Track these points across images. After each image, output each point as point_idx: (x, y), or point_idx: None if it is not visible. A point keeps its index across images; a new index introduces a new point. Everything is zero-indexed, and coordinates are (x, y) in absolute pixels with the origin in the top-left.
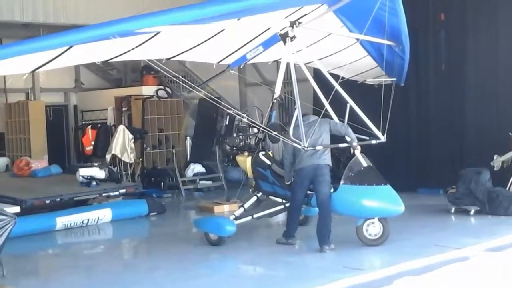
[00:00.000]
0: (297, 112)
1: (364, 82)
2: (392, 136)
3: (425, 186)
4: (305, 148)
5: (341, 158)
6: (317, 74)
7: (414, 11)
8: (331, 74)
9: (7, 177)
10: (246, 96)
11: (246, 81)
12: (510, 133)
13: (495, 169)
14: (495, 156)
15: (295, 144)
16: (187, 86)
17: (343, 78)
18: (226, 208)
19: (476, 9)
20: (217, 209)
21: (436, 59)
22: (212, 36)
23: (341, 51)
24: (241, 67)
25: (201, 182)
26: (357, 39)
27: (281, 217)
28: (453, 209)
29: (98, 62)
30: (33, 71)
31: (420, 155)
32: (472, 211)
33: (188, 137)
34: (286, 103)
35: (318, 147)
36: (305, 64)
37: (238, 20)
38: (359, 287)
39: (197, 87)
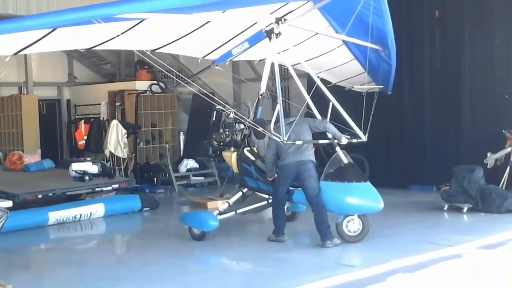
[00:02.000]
0: (278, 108)
1: (351, 89)
2: (386, 133)
3: (418, 183)
4: (284, 142)
5: (326, 156)
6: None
7: (409, 7)
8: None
9: None
10: (240, 91)
11: (240, 76)
12: (503, 131)
13: (488, 166)
14: (489, 154)
15: (274, 138)
16: (179, 81)
17: (330, 83)
18: (219, 204)
19: (472, 5)
20: (210, 204)
21: (430, 56)
22: (197, 28)
23: (327, 53)
24: (227, 63)
25: (194, 177)
26: (343, 41)
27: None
28: (446, 206)
29: (82, 49)
30: (16, 53)
31: (413, 152)
32: (465, 209)
33: (181, 133)
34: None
35: (297, 142)
36: (292, 65)
37: (223, 12)
38: (351, 284)
39: (189, 80)
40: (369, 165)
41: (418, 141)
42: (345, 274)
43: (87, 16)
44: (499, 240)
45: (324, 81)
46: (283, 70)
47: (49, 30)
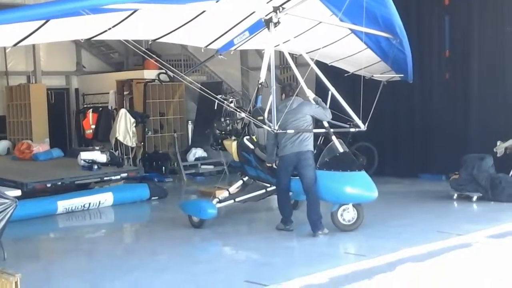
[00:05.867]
0: (271, 98)
1: (372, 78)
2: (395, 122)
3: (427, 172)
4: (275, 131)
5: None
6: (323, 63)
7: None
8: (334, 67)
9: (9, 160)
10: (249, 80)
11: (249, 65)
12: None
13: (498, 155)
14: (498, 142)
15: (265, 127)
16: (175, 75)
17: (347, 72)
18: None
19: None
20: (219, 193)
21: (440, 45)
22: (194, 18)
23: (336, 42)
24: (231, 52)
25: (202, 166)
26: (352, 30)
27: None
28: (456, 195)
29: (82, 39)
30: (15, 45)
31: (423, 141)
32: (475, 198)
33: (190, 122)
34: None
35: (289, 131)
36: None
37: (217, 2)
38: (361, 273)
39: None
40: (378, 154)
41: (427, 130)
42: (354, 263)
43: (75, 7)
44: (508, 229)
45: (341, 70)
46: (284, 59)
47: (43, 21)
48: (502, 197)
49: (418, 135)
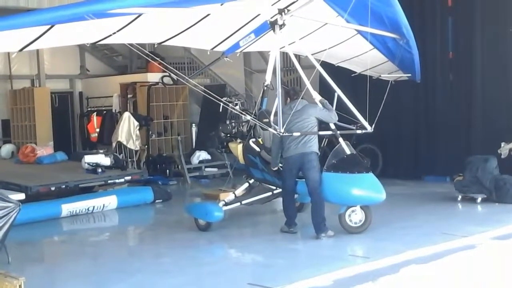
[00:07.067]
0: (277, 101)
1: (379, 78)
2: (399, 123)
3: (432, 174)
4: (280, 134)
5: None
6: (327, 64)
7: None
8: (341, 68)
9: (13, 164)
10: (252, 82)
11: (252, 67)
12: None
13: (502, 156)
14: (502, 144)
15: (271, 130)
16: (178, 77)
17: (354, 72)
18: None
19: None
20: (223, 196)
21: (443, 46)
22: (199, 21)
23: (342, 43)
24: (238, 55)
25: (206, 169)
26: (358, 31)
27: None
28: (460, 197)
29: (88, 44)
30: (21, 50)
31: (426, 143)
32: (479, 199)
33: (193, 124)
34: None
35: (295, 134)
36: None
37: (221, 5)
38: (364, 276)
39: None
40: (382, 156)
41: (431, 131)
42: (358, 265)
43: (79, 12)
44: None
45: (346, 71)
46: (290, 61)
47: (48, 26)
48: (506, 199)
49: (422, 136)
